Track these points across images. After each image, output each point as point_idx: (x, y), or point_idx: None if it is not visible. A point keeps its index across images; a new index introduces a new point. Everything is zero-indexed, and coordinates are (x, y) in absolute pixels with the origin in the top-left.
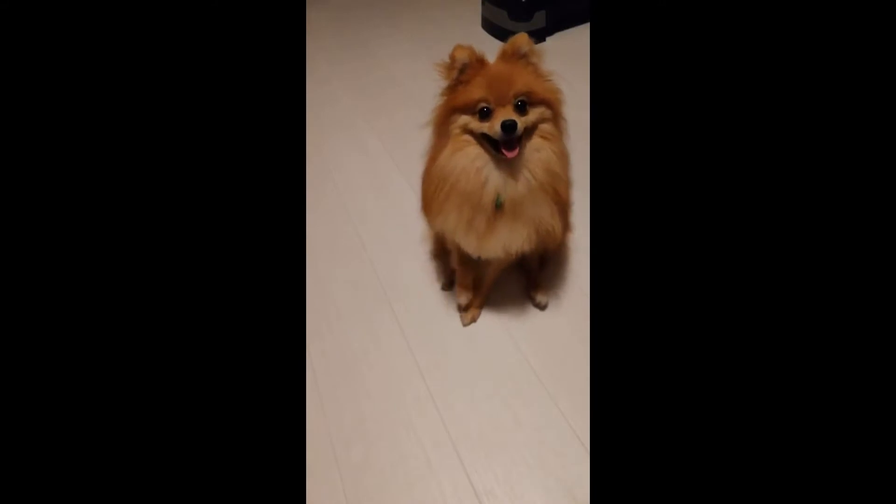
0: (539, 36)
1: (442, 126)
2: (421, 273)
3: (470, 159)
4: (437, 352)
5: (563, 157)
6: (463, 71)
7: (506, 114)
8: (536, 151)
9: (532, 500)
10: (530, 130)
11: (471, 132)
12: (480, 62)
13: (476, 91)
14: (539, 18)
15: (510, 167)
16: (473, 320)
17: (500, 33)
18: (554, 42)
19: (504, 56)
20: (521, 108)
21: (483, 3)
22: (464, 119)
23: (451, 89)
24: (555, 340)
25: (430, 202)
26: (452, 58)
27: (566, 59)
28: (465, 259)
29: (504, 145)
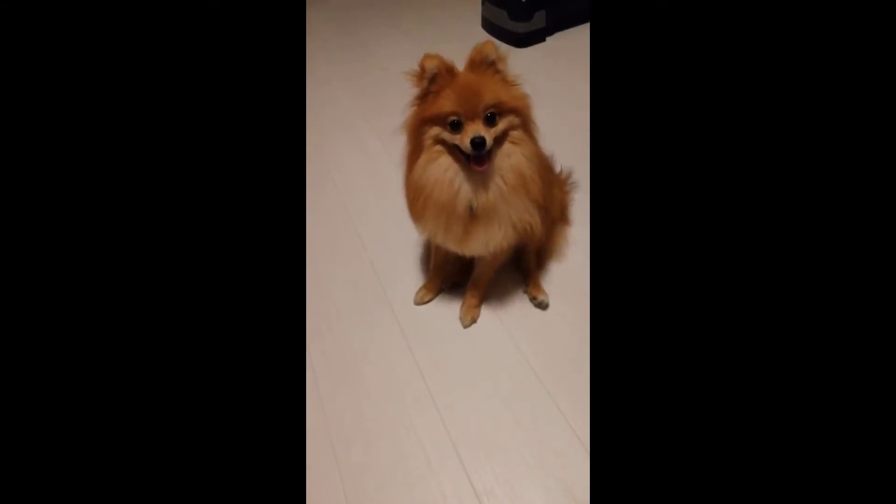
0: (539, 36)
1: (414, 135)
2: (421, 273)
3: (442, 170)
4: (437, 352)
5: (535, 158)
6: (433, 80)
7: (475, 129)
8: (507, 157)
9: (532, 500)
10: (500, 138)
11: (443, 142)
12: (450, 71)
13: (446, 104)
14: (539, 18)
15: (481, 176)
16: (474, 320)
17: (500, 33)
18: (554, 42)
19: (472, 65)
20: (491, 120)
21: (483, 3)
22: (435, 130)
23: (422, 99)
24: (555, 340)
25: (411, 209)
26: (422, 67)
27: (566, 59)
28: (443, 262)
29: (474, 160)
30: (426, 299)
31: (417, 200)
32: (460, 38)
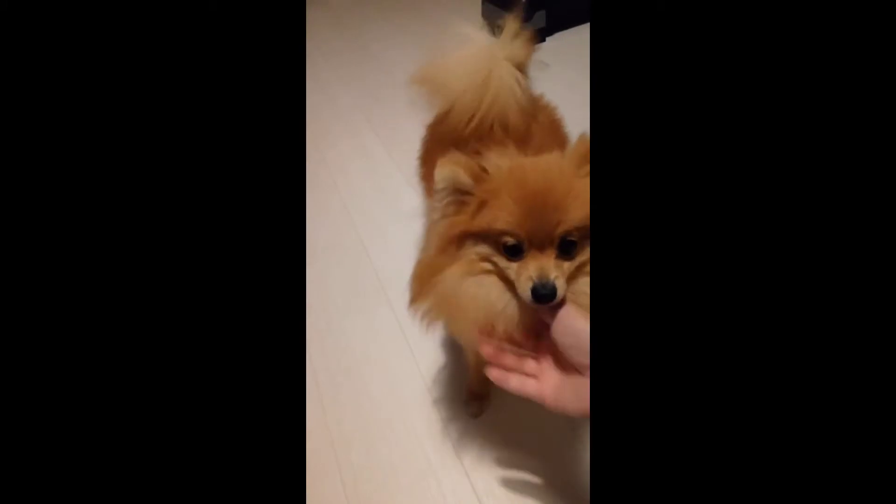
0: (539, 36)
1: (445, 249)
2: None
3: (485, 292)
4: (438, 351)
5: None
6: (463, 192)
7: (542, 265)
8: (577, 295)
9: (532, 500)
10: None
11: (493, 262)
12: (484, 174)
13: (499, 217)
14: (539, 18)
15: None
16: (481, 410)
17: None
18: (554, 42)
19: (550, 159)
20: (568, 250)
21: (483, 3)
22: (482, 250)
23: (456, 206)
24: None
25: (425, 309)
26: (438, 181)
27: (566, 59)
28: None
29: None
30: (485, 408)
31: (439, 309)
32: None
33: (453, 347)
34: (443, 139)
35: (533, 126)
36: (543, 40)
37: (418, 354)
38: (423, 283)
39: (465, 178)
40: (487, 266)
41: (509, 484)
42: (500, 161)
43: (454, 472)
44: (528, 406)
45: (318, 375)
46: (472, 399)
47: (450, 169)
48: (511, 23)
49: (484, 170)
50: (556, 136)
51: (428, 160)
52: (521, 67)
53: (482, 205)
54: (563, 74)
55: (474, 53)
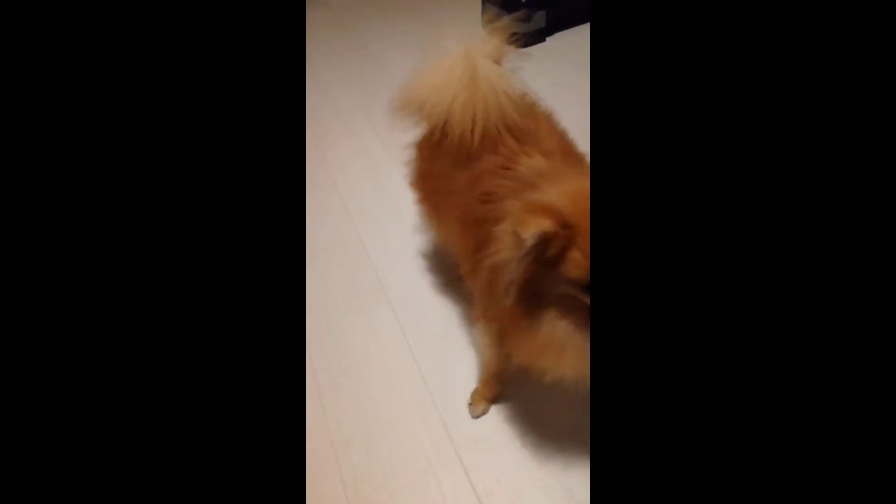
0: (539, 36)
1: (530, 296)
2: (421, 273)
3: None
4: (437, 351)
5: None
6: (545, 244)
7: None
8: None
9: (532, 501)
10: None
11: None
12: (567, 226)
13: (571, 269)
14: (539, 18)
15: None
16: (485, 412)
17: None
18: (554, 42)
19: None
20: None
21: (483, 3)
22: (562, 290)
23: (533, 262)
24: None
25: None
26: (519, 235)
27: (566, 59)
28: (500, 376)
29: None
30: (487, 410)
31: (543, 355)
32: (460, 39)
33: (454, 347)
34: (455, 158)
35: (539, 131)
36: (543, 40)
37: (418, 354)
38: (514, 332)
39: (553, 228)
40: (572, 304)
41: (509, 484)
42: (554, 191)
43: (454, 472)
44: (527, 406)
45: (318, 375)
46: (479, 401)
47: (539, 223)
48: (486, 19)
49: (561, 213)
50: (555, 133)
51: (425, 185)
52: (500, 61)
53: (564, 254)
54: (563, 74)
55: (452, 59)
